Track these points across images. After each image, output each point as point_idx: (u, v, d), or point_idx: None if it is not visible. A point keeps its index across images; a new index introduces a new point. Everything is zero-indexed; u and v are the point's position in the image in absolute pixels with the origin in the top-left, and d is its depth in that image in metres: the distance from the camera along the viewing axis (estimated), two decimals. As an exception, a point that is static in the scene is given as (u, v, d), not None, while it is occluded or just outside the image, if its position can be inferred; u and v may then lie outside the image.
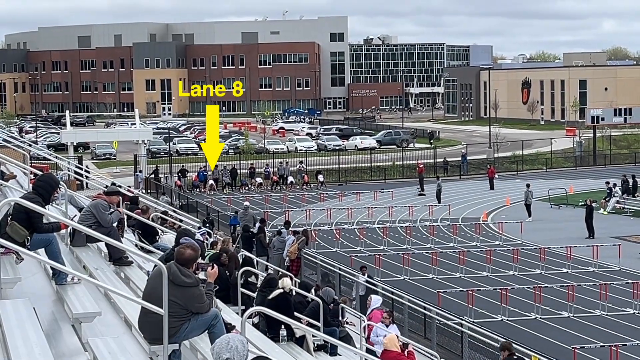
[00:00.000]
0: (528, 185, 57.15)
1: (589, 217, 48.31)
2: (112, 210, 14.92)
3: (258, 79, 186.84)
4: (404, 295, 30.11)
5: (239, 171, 73.11)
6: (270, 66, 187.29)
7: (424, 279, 38.57)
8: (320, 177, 72.12)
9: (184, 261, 9.88)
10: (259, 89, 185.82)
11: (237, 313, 16.02)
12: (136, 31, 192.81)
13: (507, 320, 31.11)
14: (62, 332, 10.22)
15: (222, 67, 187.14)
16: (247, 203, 47.03)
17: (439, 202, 60.55)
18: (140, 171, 71.04)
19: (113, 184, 19.10)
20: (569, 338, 28.98)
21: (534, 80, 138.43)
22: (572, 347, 26.21)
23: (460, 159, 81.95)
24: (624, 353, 25.20)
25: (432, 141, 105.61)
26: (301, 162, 75.94)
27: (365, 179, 78.25)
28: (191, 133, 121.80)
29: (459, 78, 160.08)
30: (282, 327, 15.88)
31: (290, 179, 72.14)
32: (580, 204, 54.66)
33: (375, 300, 23.72)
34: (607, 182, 60.12)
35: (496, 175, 72.20)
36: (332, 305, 19.78)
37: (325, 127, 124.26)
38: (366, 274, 31.73)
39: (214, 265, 11.09)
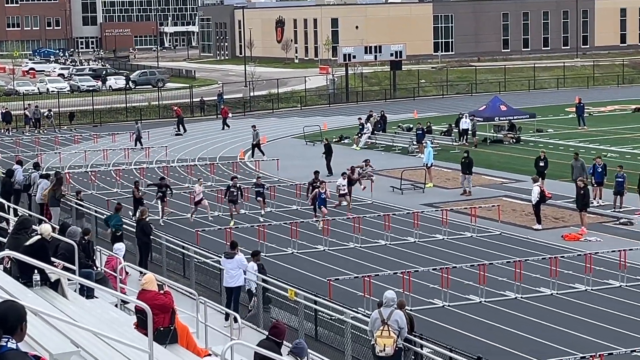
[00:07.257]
0: (254, 127, 57.06)
1: (327, 155, 49.09)
2: None
3: (5, 18, 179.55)
4: (162, 236, 30.00)
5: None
6: (18, 5, 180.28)
7: (182, 218, 38.60)
8: None
9: None
10: (7, 29, 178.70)
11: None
12: None
13: (265, 255, 31.54)
14: None
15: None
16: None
17: (140, 146, 59.19)
18: None
19: None
20: (324, 271, 29.80)
21: (288, 19, 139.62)
22: (327, 279, 26.98)
23: (216, 98, 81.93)
24: (376, 283, 26.12)
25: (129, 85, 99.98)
26: (50, 111, 72.70)
27: (120, 120, 77.10)
28: None
29: (213, 17, 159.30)
30: (36, 271, 15.50)
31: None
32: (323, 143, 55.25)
33: (118, 249, 23.78)
34: (360, 118, 61.74)
35: (230, 115, 72.36)
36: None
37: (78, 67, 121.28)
38: (258, 262, 24.61)
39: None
